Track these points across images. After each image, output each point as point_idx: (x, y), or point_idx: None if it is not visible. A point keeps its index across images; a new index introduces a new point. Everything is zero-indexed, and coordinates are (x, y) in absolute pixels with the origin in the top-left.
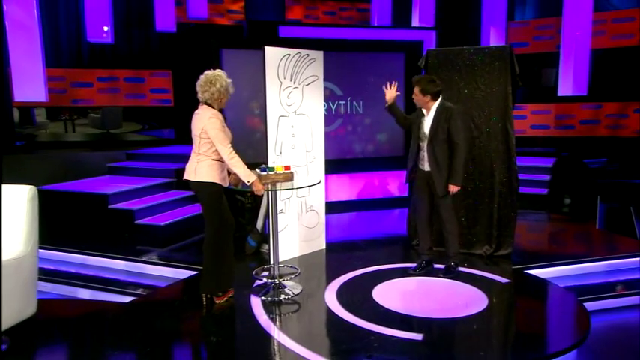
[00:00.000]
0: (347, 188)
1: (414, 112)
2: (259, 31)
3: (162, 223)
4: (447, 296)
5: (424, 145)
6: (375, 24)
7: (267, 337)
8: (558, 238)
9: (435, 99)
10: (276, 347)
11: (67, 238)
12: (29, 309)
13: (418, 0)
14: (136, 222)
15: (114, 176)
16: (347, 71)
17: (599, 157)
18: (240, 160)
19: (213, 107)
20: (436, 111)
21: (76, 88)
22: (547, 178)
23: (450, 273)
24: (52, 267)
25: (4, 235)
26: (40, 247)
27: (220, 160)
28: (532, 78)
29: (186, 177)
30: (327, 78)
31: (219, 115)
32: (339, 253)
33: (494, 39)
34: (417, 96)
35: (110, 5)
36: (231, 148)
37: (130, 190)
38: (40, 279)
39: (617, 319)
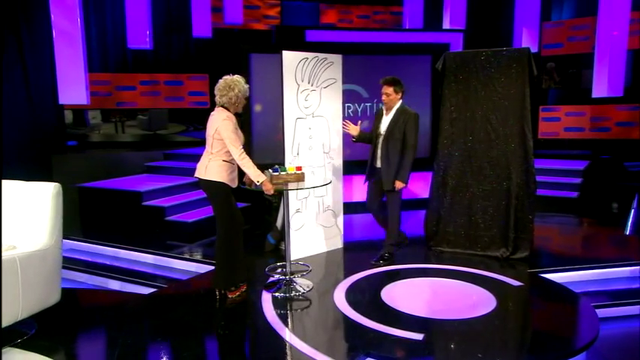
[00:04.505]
0: None
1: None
2: (286, 35)
3: (190, 220)
4: (455, 298)
5: (379, 142)
6: (407, 27)
7: (272, 331)
8: (583, 243)
9: (400, 99)
10: (279, 342)
11: (104, 232)
12: (53, 297)
13: (449, 2)
14: (167, 218)
15: (150, 174)
16: (373, 74)
17: (636, 160)
18: (250, 160)
19: (228, 110)
20: (396, 112)
21: (121, 91)
22: (578, 180)
23: (384, 260)
24: (89, 259)
25: (30, 228)
26: (78, 240)
27: (231, 162)
28: (566, 79)
29: (196, 174)
30: (353, 80)
31: (233, 118)
32: (356, 252)
33: (526, 40)
34: (391, 95)
35: (150, 13)
36: (242, 150)
37: (163, 187)
38: (77, 270)
39: (636, 327)
